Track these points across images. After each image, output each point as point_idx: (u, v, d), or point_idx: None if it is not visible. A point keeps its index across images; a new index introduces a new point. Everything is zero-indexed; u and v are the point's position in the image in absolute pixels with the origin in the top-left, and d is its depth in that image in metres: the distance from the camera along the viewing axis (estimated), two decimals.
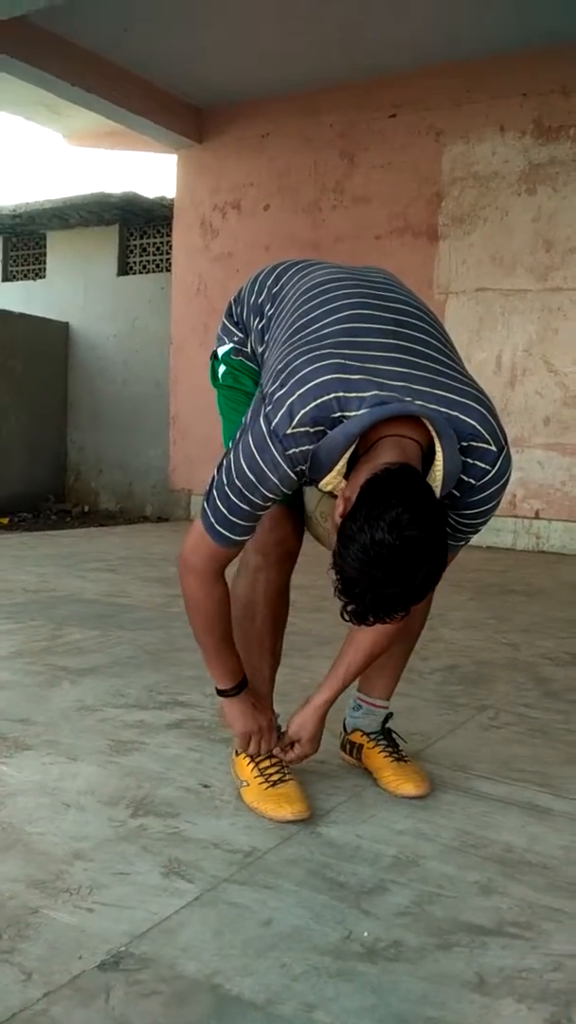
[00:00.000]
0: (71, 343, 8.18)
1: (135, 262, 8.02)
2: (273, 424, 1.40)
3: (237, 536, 1.52)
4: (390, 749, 1.83)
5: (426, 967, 1.17)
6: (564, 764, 1.93)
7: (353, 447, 1.39)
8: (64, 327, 8.14)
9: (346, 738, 1.92)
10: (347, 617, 1.37)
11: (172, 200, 7.29)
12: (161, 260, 7.86)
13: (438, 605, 3.91)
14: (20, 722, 2.09)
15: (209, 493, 1.50)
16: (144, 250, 7.98)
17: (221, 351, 1.86)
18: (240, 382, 1.81)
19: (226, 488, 1.46)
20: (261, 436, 1.42)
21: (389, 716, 1.91)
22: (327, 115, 6.44)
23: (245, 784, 1.69)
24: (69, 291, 8.15)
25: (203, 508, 1.52)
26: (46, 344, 7.98)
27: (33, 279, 8.53)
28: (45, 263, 8.43)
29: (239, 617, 1.74)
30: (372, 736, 1.86)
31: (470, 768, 1.88)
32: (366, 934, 1.24)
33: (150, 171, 11.89)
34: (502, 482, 1.55)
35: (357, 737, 1.88)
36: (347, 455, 1.39)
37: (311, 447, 1.40)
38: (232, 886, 1.36)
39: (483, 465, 1.48)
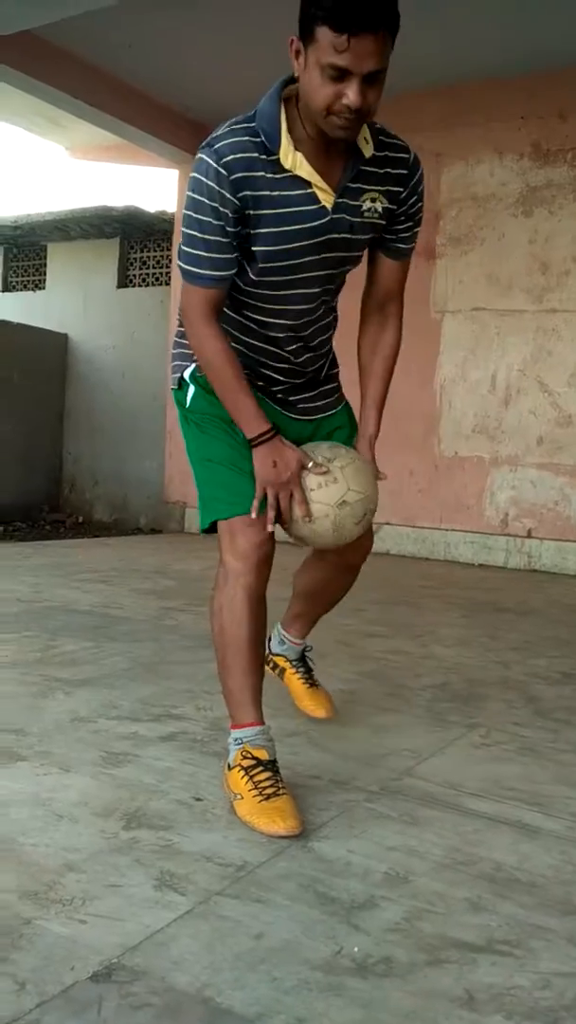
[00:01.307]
0: (70, 354, 8.20)
1: (135, 275, 8.06)
2: (209, 138, 1.65)
3: (208, 270, 1.68)
4: (306, 675, 2.32)
5: (416, 983, 1.18)
6: (554, 783, 1.95)
7: (284, 117, 1.63)
8: (63, 338, 8.17)
9: (272, 658, 2.35)
10: (322, 20, 1.49)
11: (173, 214, 7.33)
12: (161, 273, 7.90)
13: (429, 622, 3.92)
14: (14, 733, 2.09)
15: (179, 252, 1.73)
16: (144, 263, 8.02)
17: (187, 374, 1.91)
18: (213, 403, 1.84)
19: (184, 230, 1.69)
20: (199, 159, 1.65)
21: (308, 648, 2.37)
22: None
23: (239, 797, 1.69)
24: (69, 303, 8.18)
25: (180, 268, 1.74)
26: (44, 355, 8.00)
27: (33, 290, 8.56)
28: (45, 274, 8.46)
29: (224, 624, 1.79)
30: (293, 663, 2.34)
31: (461, 786, 1.90)
32: (356, 949, 1.25)
33: (152, 185, 11.96)
34: (420, 171, 1.80)
35: (281, 661, 2.35)
36: (284, 116, 1.63)
37: (242, 139, 1.62)
38: (224, 899, 1.37)
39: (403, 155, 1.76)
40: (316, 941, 1.26)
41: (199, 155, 1.64)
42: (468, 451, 6.04)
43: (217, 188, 1.61)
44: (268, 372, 1.88)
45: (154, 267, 7.97)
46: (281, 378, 1.90)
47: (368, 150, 1.69)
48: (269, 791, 1.67)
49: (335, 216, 1.69)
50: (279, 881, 1.43)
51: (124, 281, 8.06)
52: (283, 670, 2.35)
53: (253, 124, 1.63)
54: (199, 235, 1.66)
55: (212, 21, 5.37)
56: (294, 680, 2.32)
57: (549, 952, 1.27)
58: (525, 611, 4.24)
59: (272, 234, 1.67)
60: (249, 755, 1.73)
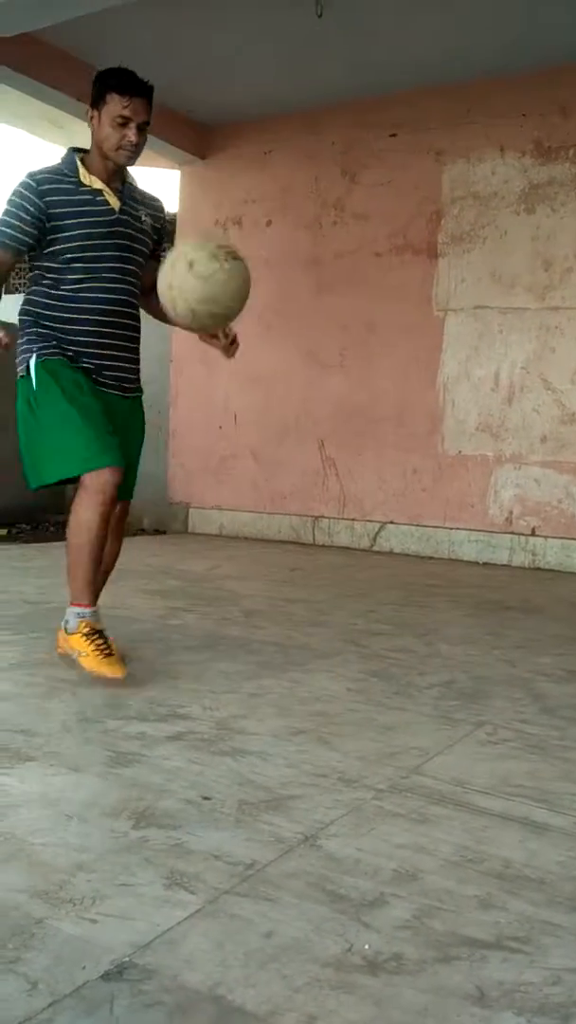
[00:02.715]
0: None
1: None
2: (28, 172, 2.58)
3: (5, 239, 2.56)
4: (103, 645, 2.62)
5: (427, 980, 1.18)
6: (561, 780, 1.95)
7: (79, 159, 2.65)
8: None
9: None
10: (113, 89, 2.57)
11: (175, 215, 7.34)
12: None
13: (435, 620, 3.92)
14: (22, 733, 2.10)
15: None
16: None
17: (32, 363, 2.60)
18: (58, 375, 2.57)
19: (2, 217, 2.57)
20: (20, 180, 2.56)
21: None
22: (329, 133, 6.50)
23: (84, 654, 2.49)
24: None
25: None
26: None
27: None
28: None
29: (83, 534, 2.52)
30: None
31: (468, 783, 1.90)
32: (367, 947, 1.25)
33: (152, 186, 11.98)
34: (165, 213, 2.86)
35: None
36: (78, 160, 2.64)
37: (51, 171, 2.61)
38: (233, 898, 1.37)
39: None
40: (326, 939, 1.27)
41: (36, 170, 2.60)
42: (472, 449, 6.03)
43: (27, 193, 2.55)
44: (87, 339, 2.63)
45: None
46: (95, 349, 2.64)
47: (135, 185, 2.76)
48: (106, 651, 2.50)
49: (121, 216, 2.65)
50: (288, 879, 1.44)
51: None
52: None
53: (60, 164, 2.64)
54: (10, 218, 2.56)
55: (213, 22, 5.38)
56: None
57: (559, 948, 1.27)
58: (530, 609, 4.24)
59: (76, 224, 2.58)
60: (89, 626, 2.52)
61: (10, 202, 2.58)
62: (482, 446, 6.00)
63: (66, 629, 2.57)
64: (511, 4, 5.01)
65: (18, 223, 2.55)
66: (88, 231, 2.59)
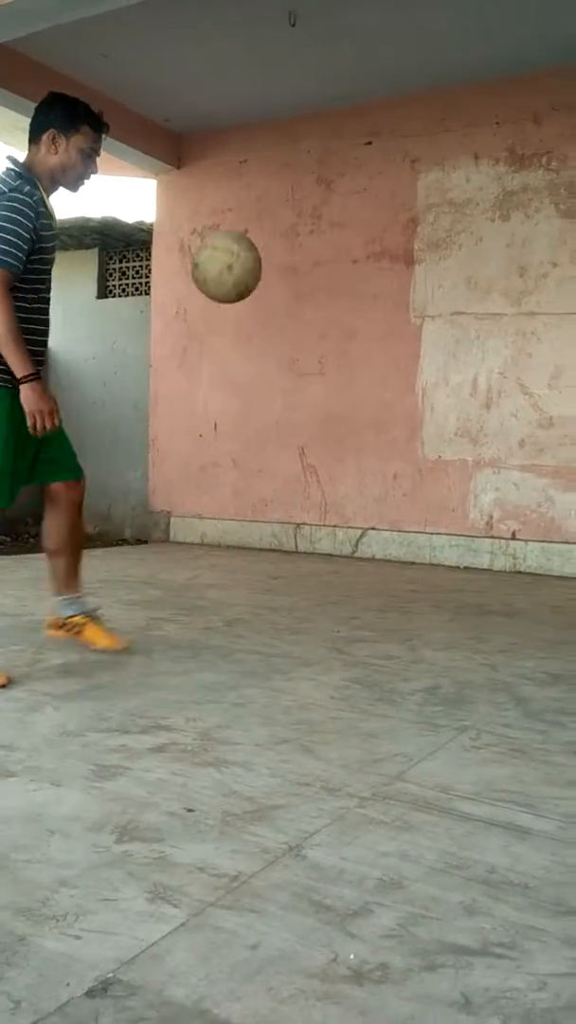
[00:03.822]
0: (50, 366, 8.17)
1: (114, 285, 8.05)
2: (16, 184, 2.60)
3: (13, 260, 2.54)
4: (101, 625, 3.01)
5: (412, 988, 1.18)
6: (544, 784, 1.95)
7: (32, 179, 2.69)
8: None
9: (68, 621, 3.00)
10: (87, 124, 2.77)
11: (151, 224, 7.33)
12: (140, 283, 7.90)
13: (417, 625, 3.91)
14: (3, 748, 2.08)
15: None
16: (123, 273, 8.01)
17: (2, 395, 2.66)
18: (6, 417, 2.66)
19: (2, 233, 2.53)
20: (19, 193, 2.58)
21: (96, 608, 3.08)
22: (304, 142, 6.53)
23: None
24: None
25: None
26: None
27: None
28: None
29: None
30: (89, 615, 3.02)
31: (452, 789, 1.90)
32: (352, 956, 1.25)
33: (130, 196, 11.94)
34: None
35: (79, 619, 3.00)
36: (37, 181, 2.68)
37: (35, 191, 2.61)
38: (218, 911, 1.36)
39: None
40: (312, 949, 1.26)
41: (18, 189, 2.59)
42: (451, 454, 6.06)
43: (29, 212, 2.57)
44: (42, 339, 2.80)
45: (134, 277, 7.96)
46: (44, 339, 2.83)
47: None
48: None
49: (56, 232, 2.78)
50: (273, 890, 1.43)
51: (104, 291, 8.04)
52: (83, 625, 2.98)
53: (30, 185, 2.63)
54: (16, 239, 2.55)
55: (190, 32, 5.39)
56: (93, 629, 2.99)
57: (544, 953, 1.27)
58: (511, 613, 4.25)
59: (44, 247, 2.67)
60: None
61: (11, 220, 2.55)
62: (461, 451, 6.03)
63: None
64: (484, 13, 5.06)
65: (25, 245, 2.57)
66: (47, 255, 2.71)
